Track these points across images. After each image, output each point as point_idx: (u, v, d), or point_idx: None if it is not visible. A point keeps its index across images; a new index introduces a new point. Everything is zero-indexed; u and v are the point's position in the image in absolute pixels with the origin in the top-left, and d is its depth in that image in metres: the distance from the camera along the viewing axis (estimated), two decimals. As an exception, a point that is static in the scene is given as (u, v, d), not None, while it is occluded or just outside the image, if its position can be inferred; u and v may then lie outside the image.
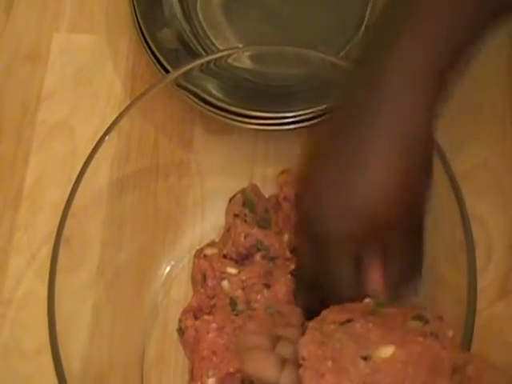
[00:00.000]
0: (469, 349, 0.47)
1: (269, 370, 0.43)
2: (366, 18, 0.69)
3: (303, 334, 0.42)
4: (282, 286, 0.56)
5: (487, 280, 0.60)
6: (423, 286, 0.56)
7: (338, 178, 0.49)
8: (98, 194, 0.59)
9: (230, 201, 0.61)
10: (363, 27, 0.68)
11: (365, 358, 0.41)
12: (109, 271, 0.58)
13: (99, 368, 0.56)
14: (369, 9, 0.69)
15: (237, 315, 0.56)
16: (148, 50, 0.65)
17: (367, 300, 0.46)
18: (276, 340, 0.45)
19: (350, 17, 0.69)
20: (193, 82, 0.60)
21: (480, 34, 0.49)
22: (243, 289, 0.57)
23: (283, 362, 0.43)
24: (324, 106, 0.60)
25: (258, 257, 0.58)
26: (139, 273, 0.61)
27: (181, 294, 0.61)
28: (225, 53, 0.61)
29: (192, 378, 0.56)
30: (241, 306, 0.56)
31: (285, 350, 0.44)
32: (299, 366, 0.41)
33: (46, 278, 0.52)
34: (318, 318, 0.44)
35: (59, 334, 0.50)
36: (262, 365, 0.43)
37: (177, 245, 0.62)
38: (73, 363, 0.51)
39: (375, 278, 0.49)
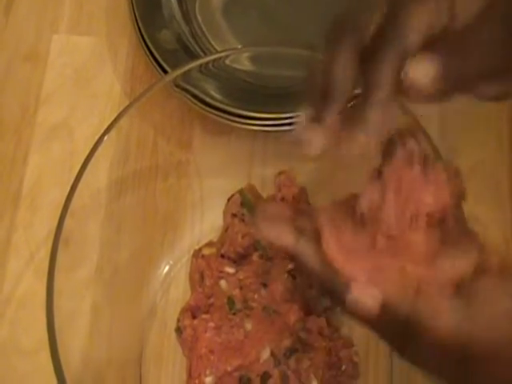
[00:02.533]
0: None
1: (287, 238, 0.42)
2: (364, 20, 0.69)
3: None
4: (279, 285, 0.57)
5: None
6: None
7: None
8: (97, 194, 0.59)
9: (228, 201, 0.61)
10: (361, 29, 0.68)
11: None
12: (107, 271, 0.58)
13: (98, 366, 0.56)
14: (366, 10, 0.69)
15: (234, 314, 0.56)
16: (147, 51, 0.65)
17: None
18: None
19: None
20: (191, 82, 0.60)
21: None
22: (241, 288, 0.57)
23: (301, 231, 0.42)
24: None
25: (255, 256, 0.58)
26: (138, 272, 0.61)
27: (179, 293, 0.61)
28: (223, 54, 0.61)
29: (190, 376, 0.56)
30: (238, 305, 0.57)
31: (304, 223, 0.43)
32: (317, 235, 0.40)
33: (45, 277, 0.52)
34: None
35: (58, 333, 0.50)
36: (281, 233, 0.42)
37: (175, 245, 0.63)
38: (71, 362, 0.51)
39: None
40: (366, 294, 0.38)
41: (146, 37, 0.65)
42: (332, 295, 0.40)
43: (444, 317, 0.37)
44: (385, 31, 0.40)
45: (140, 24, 0.65)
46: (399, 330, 0.38)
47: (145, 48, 0.65)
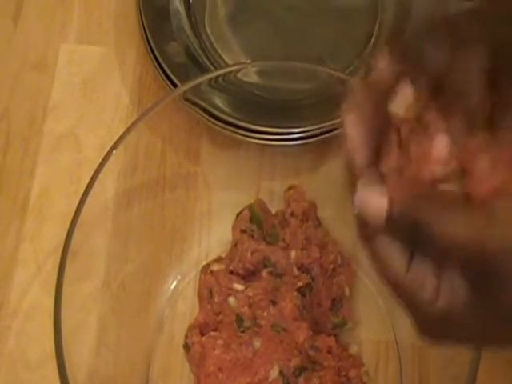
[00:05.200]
0: (478, 360, 0.48)
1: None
2: (375, 33, 0.69)
3: None
4: (289, 302, 0.56)
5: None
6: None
7: None
8: (105, 206, 0.59)
9: (237, 216, 0.61)
10: (371, 42, 0.68)
11: None
12: (114, 284, 0.58)
13: (104, 380, 0.56)
14: (377, 24, 0.69)
15: (243, 332, 0.56)
16: (156, 65, 0.64)
17: None
18: None
19: (358, 31, 0.69)
20: (201, 96, 0.60)
21: None
22: (250, 305, 0.57)
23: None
24: (331, 122, 0.60)
25: (264, 273, 0.58)
26: (145, 286, 0.61)
27: (187, 308, 0.61)
28: (233, 68, 0.61)
29: (198, 394, 0.56)
30: (247, 323, 0.56)
31: None
32: None
33: (52, 289, 0.52)
34: None
35: (64, 346, 0.50)
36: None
37: (183, 258, 0.62)
38: (78, 375, 0.51)
39: None
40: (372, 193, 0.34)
41: (154, 49, 0.64)
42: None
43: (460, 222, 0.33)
44: None
45: (149, 36, 0.65)
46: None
47: (154, 61, 0.65)
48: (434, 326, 0.36)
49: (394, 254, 0.35)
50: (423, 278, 0.35)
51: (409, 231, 0.34)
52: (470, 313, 0.35)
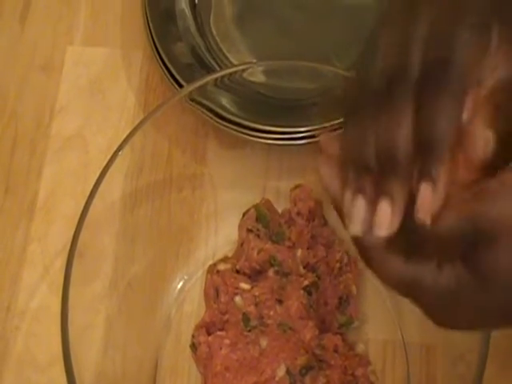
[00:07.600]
0: (485, 358, 0.47)
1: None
2: (381, 33, 0.69)
3: None
4: (295, 301, 0.56)
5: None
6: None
7: None
8: (112, 207, 0.59)
9: (244, 216, 0.61)
10: (377, 42, 0.68)
11: None
12: (121, 284, 0.58)
13: (111, 381, 0.56)
14: (383, 23, 0.69)
15: (250, 331, 0.56)
16: (162, 65, 0.65)
17: None
18: None
19: (365, 30, 0.69)
20: (207, 96, 0.60)
21: None
22: (256, 304, 0.57)
23: None
24: (337, 121, 0.60)
25: (270, 272, 0.58)
26: (152, 286, 0.61)
27: (194, 308, 0.61)
28: (240, 67, 0.61)
29: (205, 393, 0.56)
30: (253, 322, 0.56)
31: None
32: None
33: (60, 290, 0.52)
34: None
35: (72, 347, 0.50)
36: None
37: (190, 258, 0.62)
38: (85, 376, 0.51)
39: None
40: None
41: (160, 50, 0.64)
42: None
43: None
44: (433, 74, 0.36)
45: (154, 37, 0.65)
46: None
47: (160, 62, 0.65)
48: (444, 311, 0.37)
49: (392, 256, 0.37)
50: (423, 263, 0.36)
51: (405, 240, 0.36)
52: (474, 294, 0.35)
